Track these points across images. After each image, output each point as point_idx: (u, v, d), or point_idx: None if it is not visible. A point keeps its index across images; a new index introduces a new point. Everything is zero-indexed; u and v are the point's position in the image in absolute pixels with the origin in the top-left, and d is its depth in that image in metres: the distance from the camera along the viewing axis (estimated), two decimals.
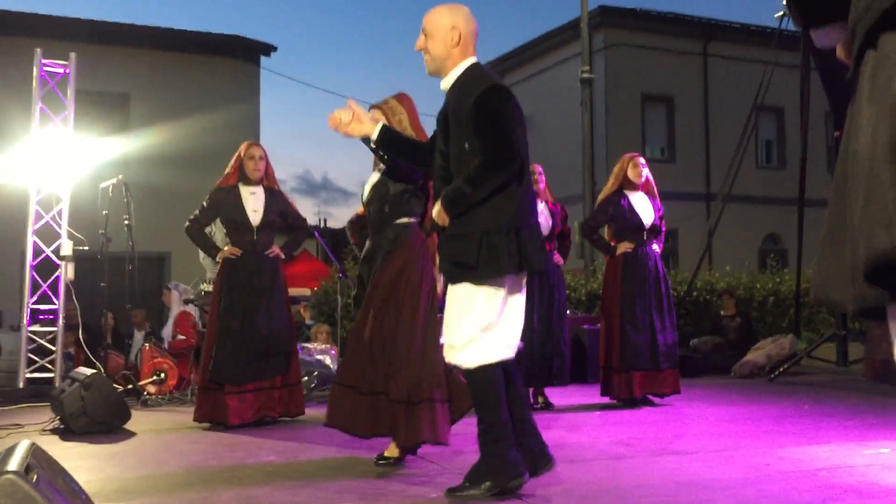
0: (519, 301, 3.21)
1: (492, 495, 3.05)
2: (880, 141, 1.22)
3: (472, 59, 3.28)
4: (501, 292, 3.11)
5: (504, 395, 3.12)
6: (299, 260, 13.47)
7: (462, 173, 3.11)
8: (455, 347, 3.13)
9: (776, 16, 9.89)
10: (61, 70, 7.86)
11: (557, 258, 6.24)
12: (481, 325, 3.09)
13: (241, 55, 17.02)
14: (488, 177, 3.06)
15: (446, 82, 3.29)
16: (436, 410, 3.71)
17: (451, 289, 3.18)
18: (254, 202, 5.55)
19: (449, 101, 3.26)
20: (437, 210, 3.17)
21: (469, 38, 3.27)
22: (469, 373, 3.12)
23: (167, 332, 8.96)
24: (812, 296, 1.48)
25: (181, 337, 8.07)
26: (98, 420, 5.15)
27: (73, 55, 7.84)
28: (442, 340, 3.23)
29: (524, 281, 3.26)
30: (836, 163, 1.43)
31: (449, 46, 3.23)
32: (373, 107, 4.00)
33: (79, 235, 7.58)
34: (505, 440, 3.09)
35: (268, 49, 17.34)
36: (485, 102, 3.10)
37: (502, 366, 3.14)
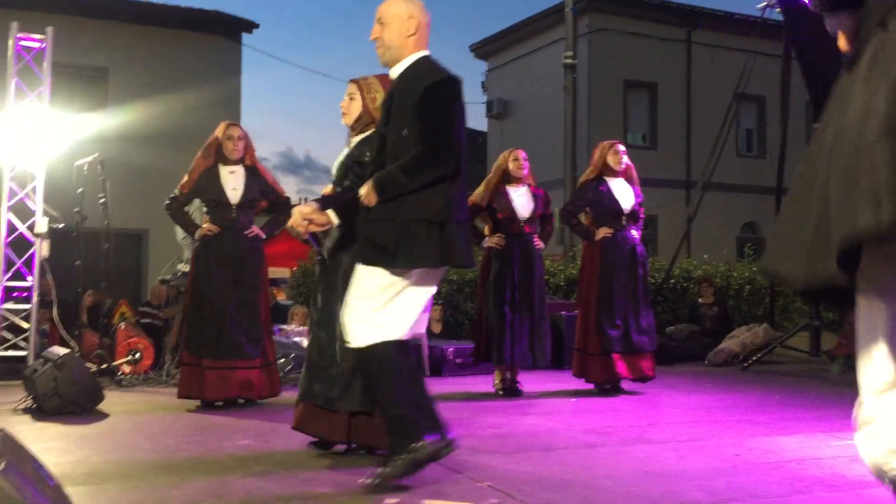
0: (423, 295, 3.19)
1: (408, 468, 3.03)
2: (875, 119, 1.20)
3: (425, 52, 3.28)
4: (405, 281, 3.10)
5: (401, 371, 3.09)
6: (279, 238, 13.36)
7: (399, 159, 3.09)
8: (347, 328, 3.11)
9: (758, 6, 9.89)
10: (38, 44, 7.73)
11: (538, 242, 6.24)
12: (375, 305, 3.08)
13: (222, 32, 16.82)
14: (423, 171, 3.06)
15: (396, 70, 3.27)
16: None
17: (360, 270, 3.14)
18: (233, 181, 5.54)
19: (397, 86, 3.24)
20: (366, 190, 3.14)
21: (424, 29, 3.27)
22: (360, 352, 3.11)
23: None
24: (760, 266, 1.47)
25: None
26: (71, 401, 5.11)
27: (50, 29, 7.71)
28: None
29: (440, 276, 3.25)
30: (809, 143, 1.41)
31: (404, 36, 3.22)
32: (351, 81, 3.91)
33: (54, 213, 7.49)
34: (407, 415, 3.07)
35: (250, 26, 17.15)
36: (436, 91, 3.11)
37: (399, 343, 3.11)
